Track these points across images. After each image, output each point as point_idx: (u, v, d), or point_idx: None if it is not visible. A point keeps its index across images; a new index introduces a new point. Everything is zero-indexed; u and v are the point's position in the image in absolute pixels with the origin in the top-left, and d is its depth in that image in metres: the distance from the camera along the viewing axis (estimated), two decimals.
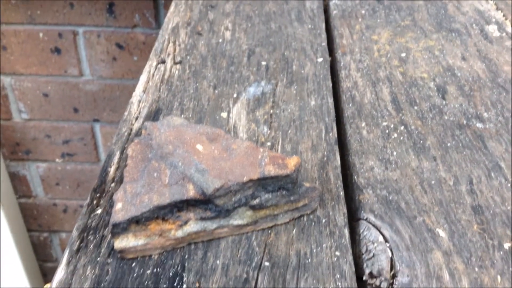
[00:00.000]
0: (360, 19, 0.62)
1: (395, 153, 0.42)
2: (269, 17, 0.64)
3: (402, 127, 0.45)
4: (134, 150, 0.36)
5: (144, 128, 0.38)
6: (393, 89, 0.50)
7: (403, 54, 0.55)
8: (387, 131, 0.45)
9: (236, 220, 0.34)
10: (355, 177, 0.40)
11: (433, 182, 0.39)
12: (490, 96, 0.49)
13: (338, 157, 0.42)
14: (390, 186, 0.39)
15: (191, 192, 0.32)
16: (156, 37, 1.06)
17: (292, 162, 0.34)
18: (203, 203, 0.33)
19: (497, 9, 0.64)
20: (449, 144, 0.43)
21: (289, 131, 0.45)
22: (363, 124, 0.45)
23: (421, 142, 0.43)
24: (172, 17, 0.64)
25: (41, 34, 1.06)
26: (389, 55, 0.55)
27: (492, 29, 0.60)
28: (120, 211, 0.32)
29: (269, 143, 0.43)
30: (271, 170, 0.33)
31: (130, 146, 0.37)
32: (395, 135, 0.44)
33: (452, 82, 0.51)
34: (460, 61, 0.54)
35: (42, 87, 1.13)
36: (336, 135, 0.45)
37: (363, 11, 0.64)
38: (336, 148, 0.43)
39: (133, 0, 1.02)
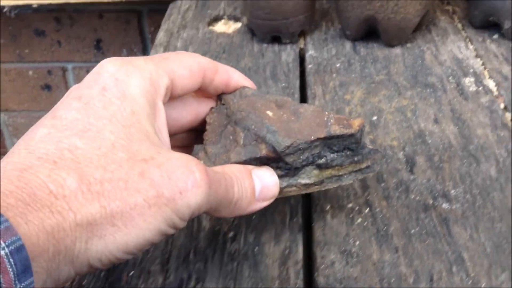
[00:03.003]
0: (334, 75, 0.62)
1: (357, 242, 0.42)
2: (244, 74, 0.63)
3: (367, 210, 0.45)
4: (211, 118, 0.40)
5: (219, 99, 0.41)
6: None
7: (375, 118, 0.55)
8: (351, 215, 0.44)
9: (303, 179, 0.38)
10: (315, 274, 0.40)
11: (393, 279, 0.39)
12: (460, 168, 0.48)
13: (300, 249, 0.42)
14: (350, 285, 0.39)
15: (263, 150, 0.37)
16: None
17: (356, 122, 0.37)
18: (274, 161, 0.37)
19: (477, 56, 0.63)
20: (412, 231, 0.42)
21: (253, 217, 0.45)
22: (328, 207, 0.45)
23: (385, 228, 0.43)
24: None
25: (30, 72, 1.07)
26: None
27: (469, 82, 0.59)
28: None
29: (232, 233, 0.43)
30: (336, 130, 0.37)
31: (207, 115, 0.40)
32: (360, 219, 0.44)
33: (422, 151, 0.50)
34: (432, 124, 0.53)
35: (34, 122, 1.13)
36: (300, 220, 0.44)
37: (338, 64, 0.63)
38: (300, 237, 0.43)
39: (120, 36, 1.02)
